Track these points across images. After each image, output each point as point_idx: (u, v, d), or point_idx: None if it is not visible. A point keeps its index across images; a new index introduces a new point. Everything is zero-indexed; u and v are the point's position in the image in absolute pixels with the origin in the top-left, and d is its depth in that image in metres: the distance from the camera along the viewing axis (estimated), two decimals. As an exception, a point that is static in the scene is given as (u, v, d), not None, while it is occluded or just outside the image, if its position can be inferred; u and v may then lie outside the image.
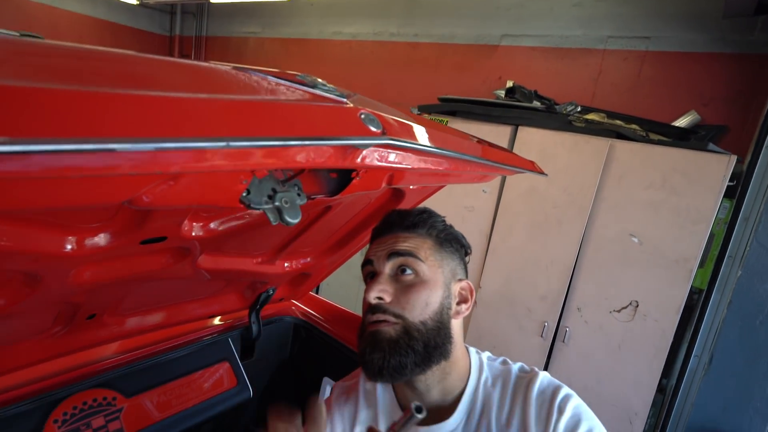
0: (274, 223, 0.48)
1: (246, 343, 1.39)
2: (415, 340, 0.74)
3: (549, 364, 2.33)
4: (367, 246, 0.91)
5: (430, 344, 0.76)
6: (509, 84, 2.77)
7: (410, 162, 0.53)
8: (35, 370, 0.95)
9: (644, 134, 2.17)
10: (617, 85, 2.65)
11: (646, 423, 2.15)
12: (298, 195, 0.51)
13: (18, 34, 0.69)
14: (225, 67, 0.40)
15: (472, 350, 0.87)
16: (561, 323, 2.28)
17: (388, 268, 0.80)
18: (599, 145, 2.14)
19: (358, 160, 0.44)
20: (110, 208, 0.54)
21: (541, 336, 2.31)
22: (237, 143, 0.28)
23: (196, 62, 0.39)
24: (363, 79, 3.76)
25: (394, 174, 0.68)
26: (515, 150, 2.35)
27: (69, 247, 0.63)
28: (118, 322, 1.02)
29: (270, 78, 0.42)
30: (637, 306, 2.10)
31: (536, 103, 2.47)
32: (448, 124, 2.53)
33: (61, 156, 0.23)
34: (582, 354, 2.24)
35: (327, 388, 1.46)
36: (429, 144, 0.52)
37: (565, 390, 0.77)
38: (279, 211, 0.49)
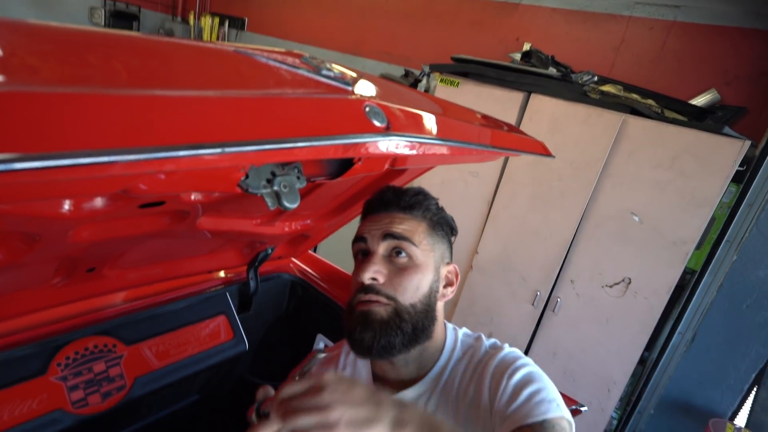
0: (272, 208, 0.47)
1: (243, 297, 1.42)
2: (405, 322, 0.77)
3: (537, 332, 2.39)
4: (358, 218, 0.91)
5: (418, 326, 0.79)
6: (526, 47, 2.66)
7: (414, 150, 0.52)
8: (37, 317, 0.98)
9: (659, 111, 2.11)
10: (639, 56, 2.54)
11: (623, 392, 2.25)
12: (298, 178, 0.50)
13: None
14: (226, 49, 0.38)
15: (450, 327, 0.90)
16: (553, 293, 2.32)
17: (382, 248, 0.81)
18: (612, 119, 2.08)
19: (362, 151, 0.43)
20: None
21: (533, 304, 2.36)
22: (232, 149, 0.27)
23: (193, 44, 0.36)
24: (375, 31, 3.60)
25: (397, 158, 0.66)
26: (525, 119, 2.29)
27: (66, 208, 0.62)
28: (117, 275, 1.04)
29: (273, 63, 0.40)
30: (630, 283, 2.13)
31: (552, 70, 2.38)
32: (460, 86, 2.45)
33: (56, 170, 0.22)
34: (570, 324, 2.29)
35: (320, 344, 1.51)
36: (434, 135, 0.50)
37: (523, 360, 0.79)
38: (277, 196, 0.48)
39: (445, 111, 0.67)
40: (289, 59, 0.42)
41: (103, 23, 4.46)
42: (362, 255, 0.84)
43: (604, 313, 2.20)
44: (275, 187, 0.47)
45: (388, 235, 0.80)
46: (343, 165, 0.57)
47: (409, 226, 0.82)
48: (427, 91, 2.91)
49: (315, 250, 1.81)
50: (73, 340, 1.01)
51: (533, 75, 2.30)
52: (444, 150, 0.57)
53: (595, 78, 2.33)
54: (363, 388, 0.56)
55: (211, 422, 1.45)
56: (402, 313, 0.77)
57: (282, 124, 0.32)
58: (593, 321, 2.23)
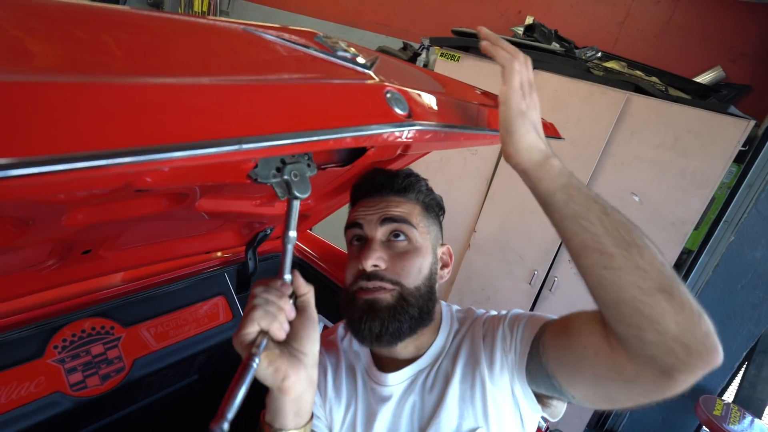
0: (282, 199, 0.44)
1: (242, 278, 1.40)
2: (411, 306, 0.75)
3: (533, 310, 2.41)
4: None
5: (424, 309, 0.78)
6: (529, 20, 2.58)
7: (432, 137, 0.49)
8: (31, 299, 0.95)
9: (663, 89, 2.07)
10: (643, 32, 2.48)
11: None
12: (308, 166, 0.47)
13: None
14: (233, 27, 0.34)
15: (443, 304, 0.90)
16: (550, 272, 2.33)
17: (380, 233, 0.79)
18: (615, 97, 2.04)
19: (379, 140, 0.40)
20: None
21: (530, 283, 2.38)
22: (251, 145, 0.24)
23: (197, 20, 0.33)
24: (373, 1, 3.48)
25: (410, 144, 0.63)
26: (527, 95, 2.24)
27: (62, 195, 0.59)
28: (114, 257, 1.01)
29: (286, 43, 0.36)
30: (627, 262, 2.14)
31: (555, 45, 2.32)
32: (461, 61, 2.39)
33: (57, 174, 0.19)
34: (567, 303, 2.31)
35: (320, 324, 1.50)
36: (453, 122, 0.47)
37: (515, 310, 0.82)
38: (288, 185, 0.46)
39: (458, 93, 0.63)
40: (302, 39, 0.39)
41: (87, -10, 4.26)
42: (357, 241, 0.82)
43: (600, 292, 2.21)
44: (285, 176, 0.45)
45: (387, 219, 0.78)
46: (356, 152, 0.54)
47: (406, 209, 0.80)
48: (426, 65, 2.83)
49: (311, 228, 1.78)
50: (69, 323, 0.99)
51: (536, 50, 2.24)
52: (461, 137, 0.54)
53: (599, 54, 2.28)
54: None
55: (210, 401, 1.45)
56: (408, 297, 0.76)
57: (302, 114, 0.29)
58: (590, 300, 2.24)
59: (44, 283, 0.94)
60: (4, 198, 0.26)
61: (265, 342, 0.52)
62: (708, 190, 1.91)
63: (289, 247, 0.55)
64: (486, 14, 2.98)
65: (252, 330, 0.53)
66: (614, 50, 2.49)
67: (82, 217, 0.72)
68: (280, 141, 0.26)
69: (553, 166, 0.62)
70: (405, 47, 3.11)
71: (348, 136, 0.30)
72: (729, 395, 2.43)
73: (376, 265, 0.75)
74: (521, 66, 0.63)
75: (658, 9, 2.43)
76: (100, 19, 0.29)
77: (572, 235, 0.60)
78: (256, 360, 0.50)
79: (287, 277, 0.57)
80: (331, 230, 1.65)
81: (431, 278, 0.81)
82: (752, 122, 1.80)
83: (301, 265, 1.57)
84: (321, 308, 1.58)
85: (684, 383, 0.54)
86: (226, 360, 1.41)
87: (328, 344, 0.96)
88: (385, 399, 0.79)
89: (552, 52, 2.22)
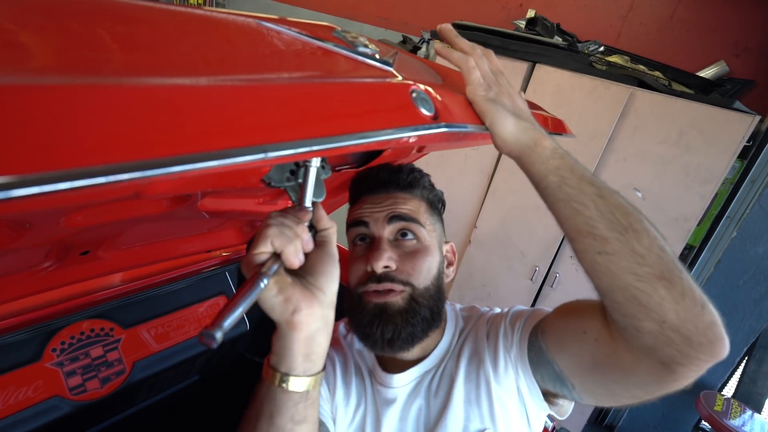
0: (296, 202, 0.42)
1: (243, 277, 1.38)
2: (423, 307, 0.73)
3: (534, 306, 2.40)
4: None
5: (434, 310, 0.75)
6: (530, 13, 2.55)
7: (450, 137, 0.46)
8: (27, 301, 0.93)
9: (667, 83, 2.05)
10: (646, 26, 2.45)
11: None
12: (323, 168, 0.45)
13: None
14: (249, 22, 0.32)
15: (447, 304, 0.87)
16: (552, 268, 2.32)
17: (387, 232, 0.75)
18: (619, 92, 2.02)
19: (401, 141, 0.38)
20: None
21: (531, 279, 2.36)
22: (276, 153, 0.22)
23: (212, 14, 0.30)
24: (371, -9, 3.43)
25: (428, 145, 0.61)
26: (529, 90, 2.22)
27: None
28: (113, 257, 0.98)
29: (306, 39, 0.33)
30: (629, 259, 2.13)
31: (557, 39, 2.29)
32: (462, 55, 2.35)
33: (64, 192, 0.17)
34: (568, 300, 2.29)
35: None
36: (475, 122, 0.45)
37: (517, 306, 0.82)
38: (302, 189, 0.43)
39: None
40: (320, 33, 0.36)
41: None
42: (361, 240, 0.78)
43: (601, 289, 2.20)
44: (299, 179, 0.42)
45: (395, 218, 0.75)
46: (372, 153, 0.52)
47: (413, 206, 0.77)
48: (426, 59, 2.80)
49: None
50: (67, 325, 0.96)
51: (539, 44, 2.21)
52: (479, 136, 0.51)
53: (602, 48, 2.25)
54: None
55: (212, 401, 1.43)
56: (419, 298, 0.73)
57: (327, 117, 0.27)
58: (591, 296, 2.23)
59: (41, 284, 0.91)
60: (4, 214, 0.23)
61: (276, 267, 0.45)
62: (712, 186, 1.90)
63: (312, 171, 0.46)
64: (487, 7, 2.94)
65: (264, 250, 0.47)
66: (617, 44, 2.47)
67: (81, 218, 0.70)
68: (307, 148, 0.24)
69: (545, 147, 0.59)
70: (404, 40, 3.07)
71: (377, 140, 0.28)
72: (728, 390, 2.44)
73: (387, 267, 0.72)
74: (478, 60, 0.60)
75: (661, 3, 2.40)
76: (115, 15, 0.26)
77: (565, 218, 0.58)
78: (264, 280, 0.44)
79: (308, 204, 0.49)
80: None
81: (439, 277, 0.78)
82: (757, 117, 1.78)
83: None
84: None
85: (685, 376, 0.52)
86: (227, 359, 1.40)
87: (332, 341, 0.93)
88: (390, 402, 0.77)
89: (554, 45, 2.19)
